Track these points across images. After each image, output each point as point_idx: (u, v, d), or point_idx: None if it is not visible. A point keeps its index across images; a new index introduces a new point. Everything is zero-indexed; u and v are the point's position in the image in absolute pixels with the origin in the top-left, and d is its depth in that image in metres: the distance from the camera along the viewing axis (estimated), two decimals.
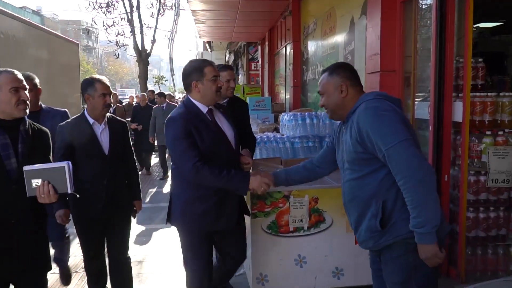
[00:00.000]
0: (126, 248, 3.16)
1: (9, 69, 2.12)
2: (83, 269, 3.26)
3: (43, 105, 3.37)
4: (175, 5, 18.16)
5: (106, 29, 17.48)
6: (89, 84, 2.89)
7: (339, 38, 5.82)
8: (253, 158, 3.50)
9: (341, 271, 3.27)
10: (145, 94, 10.19)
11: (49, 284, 3.43)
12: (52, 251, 3.39)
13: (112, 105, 3.02)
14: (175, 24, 19.28)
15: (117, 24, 17.54)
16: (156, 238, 5.12)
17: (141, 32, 17.08)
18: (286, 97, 9.72)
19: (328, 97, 2.19)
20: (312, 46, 7.59)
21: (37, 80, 3.23)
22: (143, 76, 16.80)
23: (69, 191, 2.02)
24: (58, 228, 3.31)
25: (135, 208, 3.20)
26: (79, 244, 3.07)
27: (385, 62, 3.95)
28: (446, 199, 3.36)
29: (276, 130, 5.20)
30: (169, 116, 2.58)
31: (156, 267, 4.24)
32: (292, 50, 8.63)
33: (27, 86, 2.14)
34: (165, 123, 2.57)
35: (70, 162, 2.03)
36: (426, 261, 1.93)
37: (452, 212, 3.36)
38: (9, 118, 2.09)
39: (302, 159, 3.64)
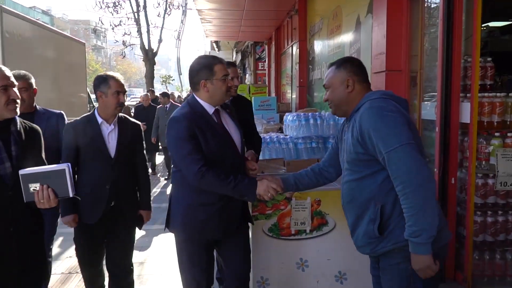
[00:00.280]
0: (126, 262, 2.95)
1: None
2: None
3: (38, 107, 3.18)
4: (182, 4, 18.18)
5: (113, 28, 17.54)
6: (103, 81, 2.71)
7: (345, 37, 5.74)
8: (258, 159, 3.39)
9: (344, 276, 3.20)
10: (148, 94, 10.16)
11: (50, 284, 3.43)
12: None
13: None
14: (182, 23, 19.29)
15: (124, 24, 17.62)
16: (157, 239, 5.08)
17: (148, 31, 17.12)
18: (293, 97, 9.66)
19: (333, 91, 2.09)
20: (318, 45, 7.51)
21: (32, 80, 3.07)
22: (150, 76, 16.85)
23: (71, 195, 1.91)
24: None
25: (141, 218, 2.96)
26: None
27: (391, 62, 3.87)
28: (453, 202, 3.27)
29: (281, 130, 5.14)
30: (171, 116, 2.39)
31: (157, 269, 4.20)
32: (298, 50, 8.57)
33: (16, 83, 2.00)
34: (167, 123, 2.40)
35: (70, 164, 1.92)
36: (418, 272, 1.85)
37: (459, 216, 3.27)
38: None
39: (306, 160, 3.59)
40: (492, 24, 5.77)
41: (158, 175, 9.46)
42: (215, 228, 2.44)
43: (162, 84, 29.81)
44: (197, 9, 9.60)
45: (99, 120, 2.75)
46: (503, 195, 3.15)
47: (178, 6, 18.24)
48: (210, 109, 2.40)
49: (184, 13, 18.56)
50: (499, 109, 3.14)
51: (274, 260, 3.14)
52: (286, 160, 3.62)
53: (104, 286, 3.07)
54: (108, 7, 17.19)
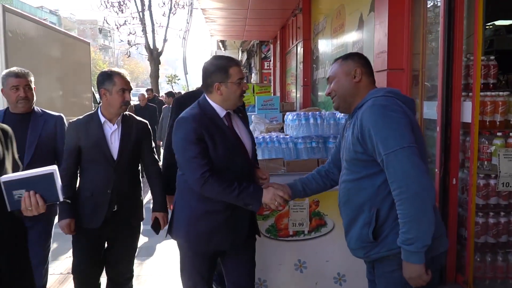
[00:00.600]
0: (128, 270, 2.80)
1: None
2: None
3: (35, 108, 3.05)
4: (187, 4, 18.20)
5: (118, 28, 17.59)
6: (107, 77, 2.53)
7: (348, 36, 5.69)
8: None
9: (343, 277, 3.16)
10: (144, 93, 10.12)
11: (48, 284, 3.41)
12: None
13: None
14: (187, 23, 19.30)
15: (129, 23, 17.66)
16: (157, 240, 5.05)
17: (153, 31, 17.14)
18: (297, 96, 9.62)
19: (338, 82, 2.00)
20: (322, 44, 7.47)
21: (32, 78, 2.97)
22: (154, 75, 16.87)
23: (61, 199, 1.77)
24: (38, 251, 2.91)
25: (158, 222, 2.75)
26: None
27: (393, 60, 3.81)
28: (454, 203, 3.21)
29: (283, 129, 5.10)
30: (180, 115, 2.25)
31: (157, 269, 4.19)
32: (302, 49, 8.53)
33: None
34: (174, 123, 2.25)
35: (57, 167, 1.77)
36: (408, 281, 1.79)
37: (460, 217, 3.22)
38: None
39: (305, 160, 3.54)
40: (498, 22, 5.70)
41: None
42: (221, 239, 2.30)
43: (167, 83, 29.85)
44: (201, 8, 9.58)
45: (102, 119, 2.60)
46: (505, 196, 3.08)
47: (183, 6, 18.25)
48: (221, 112, 2.28)
49: (190, 12, 18.57)
50: (502, 108, 3.07)
51: (272, 261, 3.11)
52: (286, 160, 3.58)
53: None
54: (113, 6, 17.25)
